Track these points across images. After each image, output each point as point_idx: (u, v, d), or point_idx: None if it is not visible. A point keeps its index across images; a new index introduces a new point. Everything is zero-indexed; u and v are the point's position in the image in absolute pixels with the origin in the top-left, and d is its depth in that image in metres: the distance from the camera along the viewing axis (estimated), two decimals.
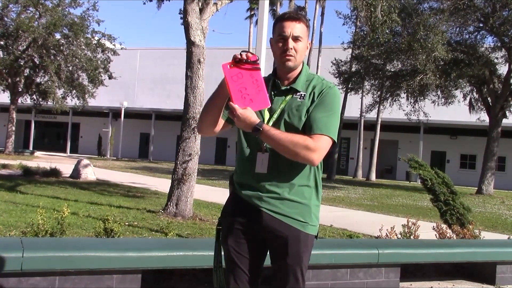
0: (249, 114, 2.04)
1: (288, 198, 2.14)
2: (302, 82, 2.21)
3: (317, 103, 2.15)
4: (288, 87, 2.21)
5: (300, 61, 2.21)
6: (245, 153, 2.20)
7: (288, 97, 2.19)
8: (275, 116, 2.16)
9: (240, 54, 2.08)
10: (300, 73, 2.23)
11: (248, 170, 2.18)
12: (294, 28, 2.15)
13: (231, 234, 2.20)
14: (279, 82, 2.22)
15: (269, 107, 2.13)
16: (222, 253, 2.28)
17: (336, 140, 2.15)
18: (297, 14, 2.21)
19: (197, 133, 8.59)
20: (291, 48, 2.14)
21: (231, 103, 2.05)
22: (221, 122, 2.24)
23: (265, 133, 2.05)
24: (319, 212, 2.27)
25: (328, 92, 2.17)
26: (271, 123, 2.14)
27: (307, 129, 2.12)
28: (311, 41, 25.72)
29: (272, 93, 2.21)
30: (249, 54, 2.09)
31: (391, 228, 6.10)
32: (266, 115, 2.17)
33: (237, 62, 2.08)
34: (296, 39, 2.15)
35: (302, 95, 2.17)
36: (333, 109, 2.16)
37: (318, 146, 2.08)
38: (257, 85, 2.07)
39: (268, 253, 2.26)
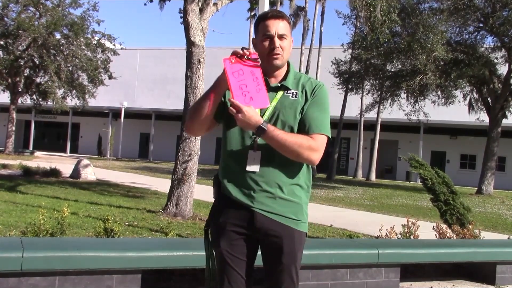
0: (253, 112, 2.02)
1: (281, 197, 2.13)
2: (292, 80, 2.21)
3: (312, 102, 2.16)
4: (279, 84, 2.20)
5: (287, 59, 2.21)
6: (235, 152, 2.17)
7: (279, 94, 2.18)
8: (267, 113, 2.14)
9: (242, 50, 2.08)
10: (288, 71, 2.23)
11: (239, 169, 2.15)
12: (278, 26, 2.14)
13: (223, 236, 2.17)
14: (267, 79, 2.21)
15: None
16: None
17: (331, 137, 2.18)
18: (279, 12, 2.21)
19: None
20: (278, 47, 2.14)
21: (231, 99, 2.01)
22: (212, 120, 2.21)
23: (269, 133, 2.03)
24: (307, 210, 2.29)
25: (320, 91, 2.19)
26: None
27: (303, 128, 2.13)
28: (311, 41, 25.39)
29: None
30: (250, 51, 2.09)
31: (391, 228, 6.10)
32: (257, 112, 2.14)
33: (238, 57, 2.06)
34: (281, 37, 2.15)
35: (294, 93, 2.17)
36: (327, 107, 2.20)
37: (319, 146, 2.11)
38: (257, 83, 2.05)
39: (260, 253, 2.24)
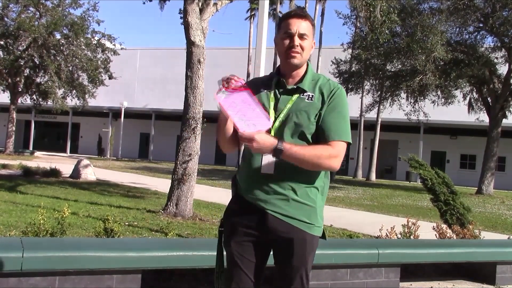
0: (265, 137, 2.00)
1: (294, 200, 2.12)
2: (309, 81, 2.19)
3: (329, 108, 2.14)
4: (295, 86, 2.19)
5: (305, 59, 2.19)
6: (250, 154, 2.16)
7: (295, 96, 2.16)
8: (282, 116, 2.13)
9: (227, 81, 2.04)
10: (306, 72, 2.21)
11: (253, 171, 2.14)
12: (300, 25, 2.14)
13: (234, 236, 2.17)
14: (284, 81, 2.20)
15: (272, 114, 2.11)
16: (224, 254, 2.25)
17: (350, 141, 2.17)
18: (303, 12, 2.20)
19: (197, 133, 8.60)
20: (297, 45, 2.13)
21: (240, 133, 2.00)
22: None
23: (286, 151, 2.02)
24: (323, 213, 2.27)
25: (338, 94, 2.17)
26: (277, 123, 2.12)
27: (322, 134, 2.11)
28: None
29: (277, 91, 2.19)
30: (232, 79, 2.04)
31: (391, 228, 6.10)
32: (272, 114, 2.14)
33: (226, 86, 2.03)
34: (301, 36, 2.14)
35: (310, 96, 2.15)
36: (346, 111, 2.18)
37: (339, 153, 2.11)
38: (252, 108, 2.04)
39: (271, 254, 2.24)
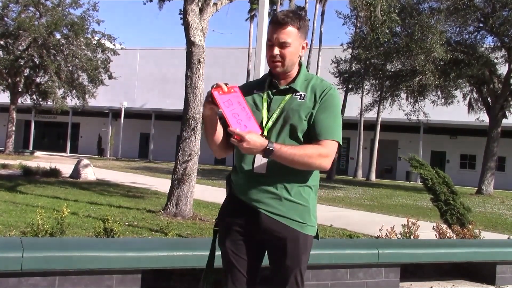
0: (256, 137, 1.98)
1: (287, 199, 2.12)
2: (301, 82, 2.20)
3: (322, 107, 2.13)
4: (287, 86, 2.19)
5: (290, 65, 2.17)
6: (243, 154, 2.16)
7: (288, 96, 2.17)
8: (274, 116, 2.13)
9: (218, 87, 2.03)
10: (298, 73, 2.22)
11: (246, 171, 2.15)
12: (280, 33, 2.11)
13: (229, 235, 2.18)
14: (276, 82, 2.21)
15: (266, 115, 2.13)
16: (217, 254, 2.25)
17: (341, 143, 2.17)
18: (285, 17, 2.12)
19: (197, 133, 8.60)
20: (277, 55, 2.12)
21: (231, 129, 1.97)
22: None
23: (277, 152, 2.01)
24: (316, 212, 2.27)
25: (330, 94, 2.16)
26: (270, 122, 2.12)
27: (313, 134, 2.11)
28: (311, 41, 25.39)
29: (270, 92, 2.20)
30: (224, 86, 2.03)
31: (391, 228, 6.09)
32: (265, 114, 2.15)
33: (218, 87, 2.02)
34: (282, 45, 2.12)
35: (302, 96, 2.16)
36: (337, 111, 2.17)
37: (330, 152, 2.10)
38: (246, 112, 2.04)
39: (266, 254, 2.24)
